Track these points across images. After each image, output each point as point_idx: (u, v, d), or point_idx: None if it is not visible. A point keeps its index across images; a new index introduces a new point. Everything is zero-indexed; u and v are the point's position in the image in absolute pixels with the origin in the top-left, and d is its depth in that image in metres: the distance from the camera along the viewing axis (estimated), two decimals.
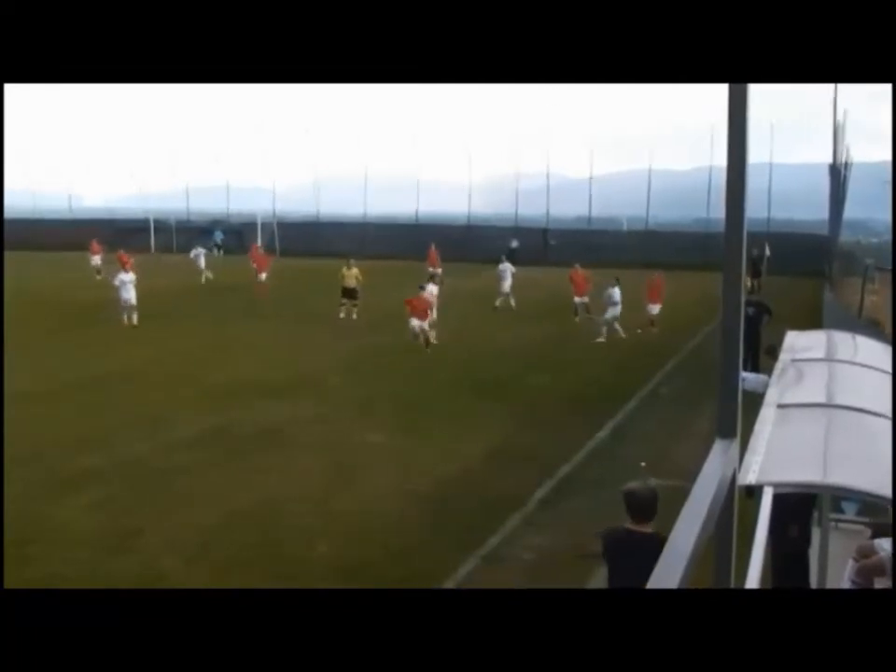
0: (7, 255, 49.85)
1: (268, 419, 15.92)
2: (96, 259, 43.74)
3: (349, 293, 29.45)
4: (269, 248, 51.84)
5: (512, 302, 32.01)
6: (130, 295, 28.04)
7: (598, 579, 9.03)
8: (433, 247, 42.24)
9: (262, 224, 57.47)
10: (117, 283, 28.42)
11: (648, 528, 6.34)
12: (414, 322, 23.51)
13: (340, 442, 14.60)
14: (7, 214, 68.72)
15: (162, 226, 61.80)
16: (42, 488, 12.20)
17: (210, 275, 41.03)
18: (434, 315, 24.62)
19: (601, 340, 25.13)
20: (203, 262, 42.22)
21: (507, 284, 32.84)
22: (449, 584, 9.21)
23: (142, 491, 12.25)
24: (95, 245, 44.87)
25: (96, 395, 17.83)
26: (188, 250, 45.01)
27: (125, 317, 27.79)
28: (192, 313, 30.09)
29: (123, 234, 56.76)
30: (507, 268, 33.26)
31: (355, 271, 29.80)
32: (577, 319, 28.84)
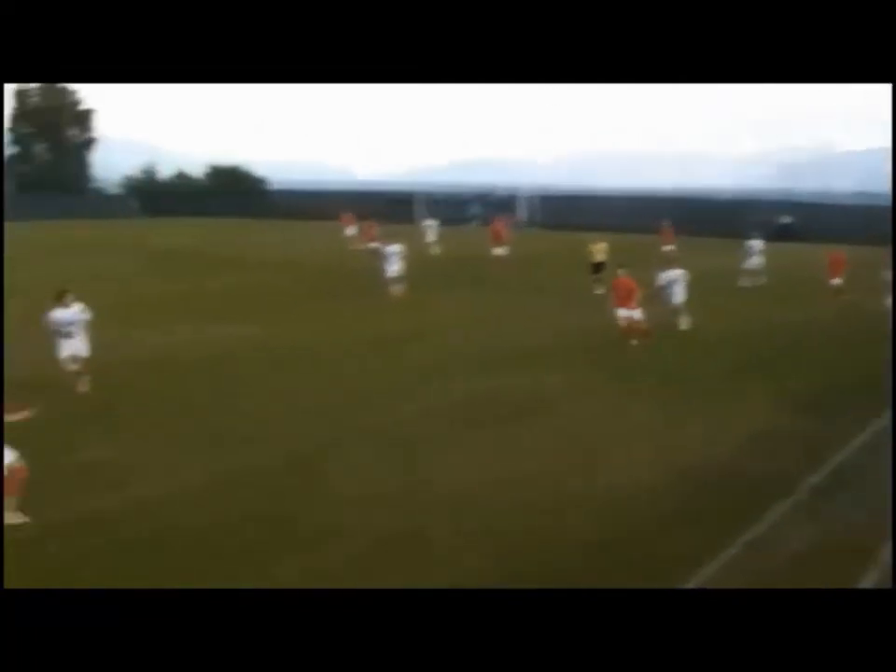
0: (285, 223, 53.37)
1: (531, 387, 16.33)
2: (350, 230, 45.95)
3: (597, 268, 29.41)
4: (531, 221, 52.11)
5: (762, 280, 30.71)
6: (395, 267, 28.01)
7: (868, 579, 8.53)
8: (666, 224, 40.16)
9: (525, 197, 57.83)
10: (386, 253, 28.40)
11: None
12: (622, 312, 20.59)
13: (600, 415, 14.72)
14: (290, 185, 73.35)
15: (427, 198, 63.67)
16: (321, 444, 12.98)
17: (437, 249, 41.08)
18: (678, 301, 22.63)
19: None
20: (431, 235, 42.52)
21: (755, 261, 31.37)
22: (710, 569, 8.92)
23: (418, 451, 12.72)
24: (346, 217, 47.37)
25: (360, 362, 18.92)
26: (450, 222, 45.75)
27: (390, 288, 27.72)
28: (443, 283, 30.86)
29: (391, 206, 59.07)
30: (755, 245, 31.76)
31: (601, 245, 29.82)
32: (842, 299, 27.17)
